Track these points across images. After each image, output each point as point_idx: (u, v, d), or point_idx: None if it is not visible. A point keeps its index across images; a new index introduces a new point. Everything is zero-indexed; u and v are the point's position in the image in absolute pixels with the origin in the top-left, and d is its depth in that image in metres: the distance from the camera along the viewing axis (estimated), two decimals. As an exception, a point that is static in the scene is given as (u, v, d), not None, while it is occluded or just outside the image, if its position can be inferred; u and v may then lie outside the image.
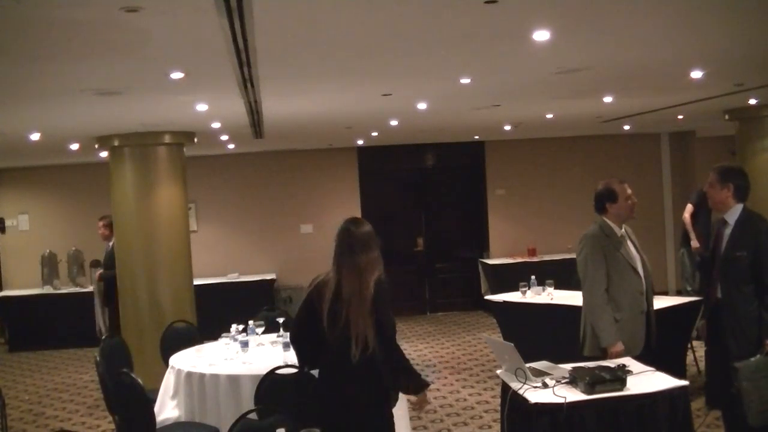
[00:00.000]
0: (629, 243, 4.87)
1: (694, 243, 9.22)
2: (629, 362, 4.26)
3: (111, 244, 8.45)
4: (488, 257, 12.30)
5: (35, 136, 7.59)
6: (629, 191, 4.88)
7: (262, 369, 4.84)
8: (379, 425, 3.78)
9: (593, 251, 4.77)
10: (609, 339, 4.64)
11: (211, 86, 5.44)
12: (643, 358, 4.45)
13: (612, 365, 4.09)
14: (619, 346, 4.61)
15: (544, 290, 7.70)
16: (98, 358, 5.45)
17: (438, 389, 7.76)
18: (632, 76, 6.25)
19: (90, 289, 11.20)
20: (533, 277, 7.90)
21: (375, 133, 10.11)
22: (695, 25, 4.45)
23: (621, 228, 4.86)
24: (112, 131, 7.90)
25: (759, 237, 4.62)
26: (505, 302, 7.88)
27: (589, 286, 4.79)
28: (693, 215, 9.39)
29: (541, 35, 4.25)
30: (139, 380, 4.76)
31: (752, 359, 4.29)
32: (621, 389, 3.81)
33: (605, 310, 4.69)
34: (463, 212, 12.78)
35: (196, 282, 8.72)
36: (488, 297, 8.59)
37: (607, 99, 7.56)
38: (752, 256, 4.60)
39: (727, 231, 4.76)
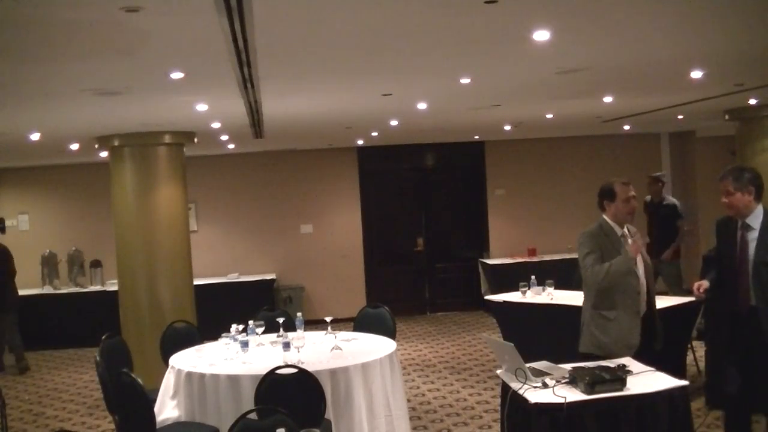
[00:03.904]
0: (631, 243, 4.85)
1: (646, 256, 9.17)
2: (629, 362, 4.26)
3: None
4: (488, 257, 12.31)
5: (35, 136, 7.59)
6: (631, 194, 4.82)
7: (262, 369, 4.84)
8: None
9: (591, 248, 4.75)
10: (624, 259, 4.62)
11: (211, 86, 5.44)
12: (645, 358, 4.45)
13: (612, 365, 4.10)
14: (633, 247, 4.64)
15: (544, 290, 7.70)
16: (98, 358, 5.46)
17: (438, 389, 7.77)
18: (632, 76, 6.24)
19: (91, 289, 11.24)
20: (533, 277, 7.90)
21: (375, 133, 10.12)
22: (695, 25, 4.45)
23: (622, 228, 4.85)
24: (112, 131, 7.90)
25: None
26: (505, 302, 7.88)
27: (588, 274, 4.73)
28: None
29: (541, 35, 4.25)
30: (139, 380, 4.76)
31: None
32: (621, 389, 3.81)
33: (599, 268, 4.64)
34: (463, 212, 12.78)
35: (196, 282, 8.72)
36: (488, 297, 8.58)
37: (607, 99, 7.56)
38: None
39: (752, 235, 4.61)
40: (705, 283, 4.79)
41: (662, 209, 9.29)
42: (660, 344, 4.84)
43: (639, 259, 4.82)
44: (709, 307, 6.49)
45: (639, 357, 4.45)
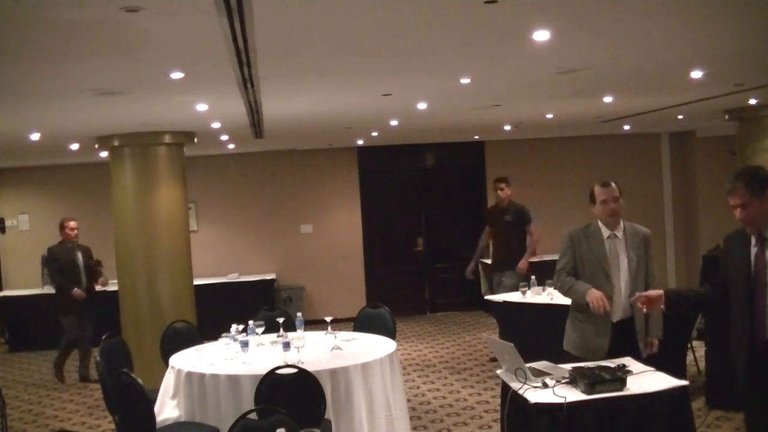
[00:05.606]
0: (618, 246, 4.72)
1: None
2: (629, 362, 4.26)
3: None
4: (488, 257, 12.28)
5: (35, 136, 7.59)
6: (609, 195, 4.68)
7: (262, 369, 4.84)
8: None
9: (564, 253, 4.88)
10: (582, 294, 4.62)
11: (211, 86, 5.44)
12: (642, 359, 4.44)
13: (612, 365, 4.10)
14: (594, 293, 4.54)
15: (544, 290, 7.69)
16: (98, 358, 5.46)
17: (438, 389, 7.77)
18: (632, 76, 6.24)
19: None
20: (533, 277, 7.90)
21: (375, 133, 10.11)
22: (695, 25, 4.45)
23: (613, 230, 4.73)
24: (112, 131, 7.90)
25: None
26: (505, 302, 7.88)
27: (555, 279, 4.96)
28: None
29: (541, 35, 4.24)
30: (139, 380, 4.76)
31: None
32: (621, 389, 3.81)
33: (566, 281, 4.78)
34: (463, 212, 12.78)
35: (196, 282, 8.72)
36: (488, 297, 8.58)
37: (607, 99, 7.56)
38: None
39: None
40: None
41: (506, 215, 9.03)
42: (646, 349, 4.75)
43: (623, 261, 4.71)
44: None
45: (637, 359, 4.44)
